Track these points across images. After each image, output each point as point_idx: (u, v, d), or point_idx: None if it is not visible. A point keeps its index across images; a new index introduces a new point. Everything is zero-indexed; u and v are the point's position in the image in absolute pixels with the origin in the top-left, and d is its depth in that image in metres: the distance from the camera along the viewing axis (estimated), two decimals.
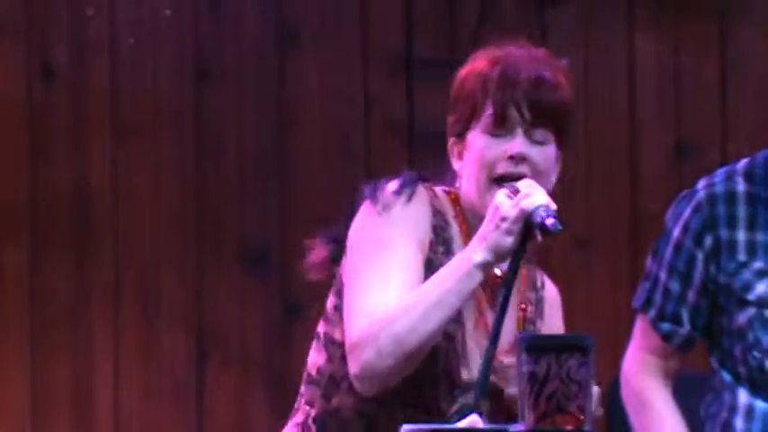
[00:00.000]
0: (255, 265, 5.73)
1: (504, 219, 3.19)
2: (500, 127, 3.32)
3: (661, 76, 5.60)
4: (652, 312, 3.74)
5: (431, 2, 5.69)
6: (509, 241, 3.19)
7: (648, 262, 3.77)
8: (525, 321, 3.46)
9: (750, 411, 3.68)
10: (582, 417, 2.82)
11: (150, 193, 5.78)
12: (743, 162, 3.73)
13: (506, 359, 3.32)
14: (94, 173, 5.78)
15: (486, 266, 3.22)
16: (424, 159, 5.31)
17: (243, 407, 5.71)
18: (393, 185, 3.42)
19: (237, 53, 5.76)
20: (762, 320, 3.65)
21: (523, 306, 3.48)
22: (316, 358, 3.46)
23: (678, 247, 3.71)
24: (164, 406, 5.73)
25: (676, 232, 3.72)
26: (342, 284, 3.42)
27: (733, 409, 3.70)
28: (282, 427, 3.59)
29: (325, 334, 3.45)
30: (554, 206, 3.20)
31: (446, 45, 5.64)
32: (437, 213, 3.39)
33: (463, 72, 3.44)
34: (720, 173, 3.74)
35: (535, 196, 3.19)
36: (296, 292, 5.64)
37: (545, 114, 3.33)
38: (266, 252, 5.74)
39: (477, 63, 3.40)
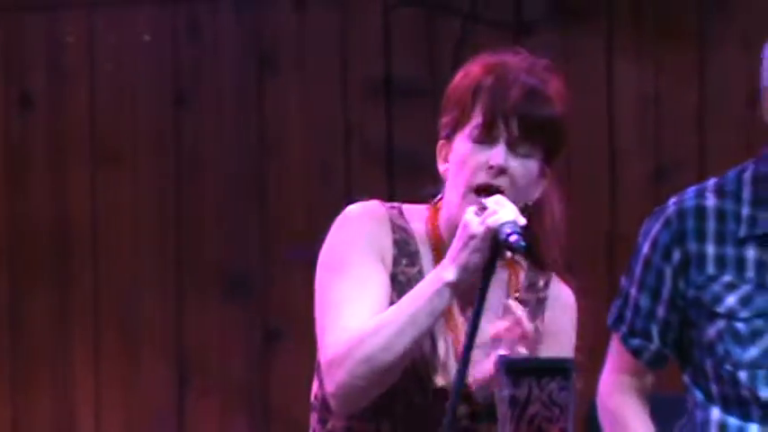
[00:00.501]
0: (235, 291, 5.75)
1: (472, 237, 3.18)
2: (485, 136, 3.30)
3: (640, 101, 5.59)
4: (623, 329, 3.72)
5: (409, 29, 5.69)
6: (478, 259, 3.18)
7: (622, 280, 3.76)
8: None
9: (723, 429, 3.69)
10: None
11: (130, 221, 5.84)
12: (714, 180, 3.75)
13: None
14: (73, 201, 5.86)
15: (456, 285, 3.20)
16: (404, 184, 5.44)
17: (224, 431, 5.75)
18: (353, 209, 3.43)
19: (217, 79, 5.83)
20: (732, 333, 3.64)
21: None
22: (314, 384, 3.45)
23: (647, 264, 3.72)
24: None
25: (645, 248, 3.72)
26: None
27: (705, 428, 3.71)
28: None
29: (317, 360, 3.44)
30: (522, 222, 3.17)
31: (424, 72, 5.63)
32: (398, 229, 3.37)
33: (458, 75, 3.39)
34: (691, 190, 3.73)
35: (501, 213, 3.17)
36: (276, 317, 5.71)
37: (532, 129, 3.30)
38: (246, 277, 5.77)
39: (473, 68, 3.37)
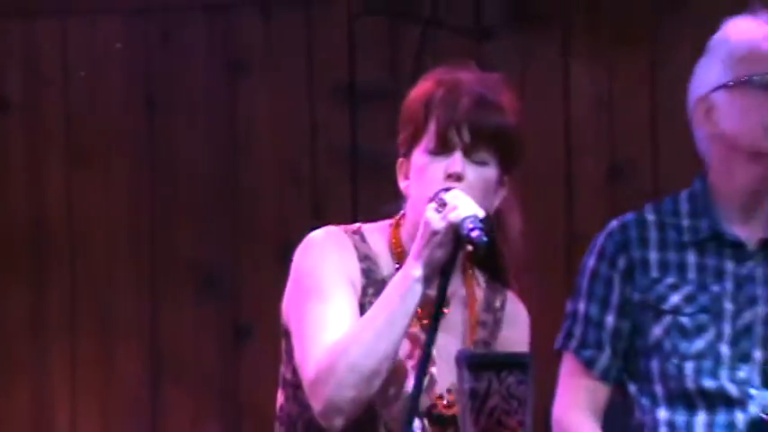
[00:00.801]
0: (208, 289, 5.77)
1: (434, 233, 3.23)
2: (440, 147, 3.35)
3: (595, 103, 5.57)
4: (573, 343, 3.78)
5: (373, 35, 5.68)
6: (441, 254, 3.23)
7: (567, 306, 3.83)
8: (475, 344, 3.47)
9: (671, 426, 3.76)
10: (521, 431, 2.93)
11: (105, 220, 5.85)
12: (650, 204, 3.85)
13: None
14: (49, 201, 5.86)
15: (425, 280, 3.25)
16: (368, 184, 5.55)
17: (197, 427, 5.76)
18: (317, 235, 3.46)
19: (188, 82, 5.80)
20: (678, 327, 3.73)
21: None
22: (279, 397, 3.50)
23: (595, 275, 3.80)
24: (121, 428, 5.80)
25: (591, 262, 3.81)
26: (287, 326, 3.47)
27: (655, 430, 3.77)
28: None
29: (281, 373, 3.50)
30: (482, 214, 3.22)
31: (387, 75, 5.62)
32: (363, 258, 3.43)
33: (411, 93, 3.46)
34: (630, 213, 3.86)
35: (461, 208, 3.23)
36: (247, 313, 5.74)
37: (485, 136, 3.35)
38: (219, 275, 5.77)
39: (424, 84, 3.43)
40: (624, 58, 5.55)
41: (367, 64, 5.67)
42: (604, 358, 3.78)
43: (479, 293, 3.51)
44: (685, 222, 3.79)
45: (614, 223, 3.82)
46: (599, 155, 5.56)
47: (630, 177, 5.42)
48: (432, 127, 3.36)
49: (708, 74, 3.83)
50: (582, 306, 3.80)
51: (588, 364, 3.77)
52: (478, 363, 2.95)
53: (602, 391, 3.80)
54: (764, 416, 3.72)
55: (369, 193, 5.51)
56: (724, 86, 3.77)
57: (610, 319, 3.78)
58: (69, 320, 5.79)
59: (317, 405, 3.27)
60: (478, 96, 3.36)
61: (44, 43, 5.86)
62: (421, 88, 3.42)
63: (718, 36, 3.89)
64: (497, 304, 3.50)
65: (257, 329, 5.66)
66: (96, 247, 5.81)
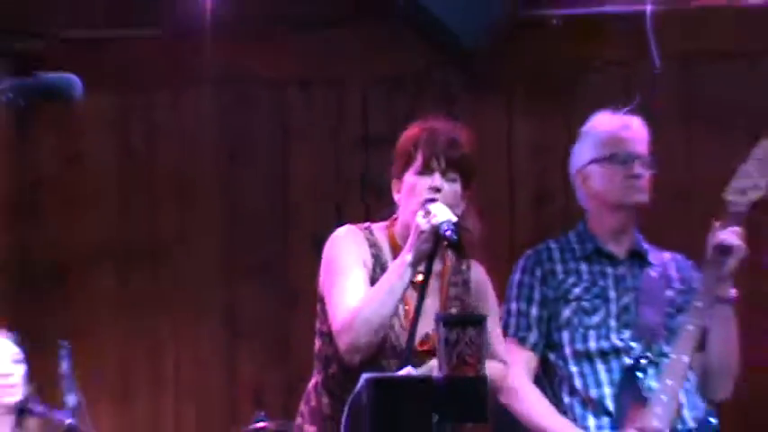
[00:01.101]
0: (267, 272, 5.65)
1: (422, 232, 3.28)
2: (425, 169, 3.42)
3: (529, 146, 5.52)
4: (511, 330, 3.86)
5: (377, 101, 5.61)
6: (426, 246, 3.27)
7: (502, 310, 3.82)
8: (449, 299, 3.48)
9: (582, 375, 3.81)
10: (479, 366, 2.91)
11: (201, 231, 5.75)
12: (552, 240, 4.01)
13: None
14: (162, 224, 5.74)
15: (414, 264, 3.29)
16: (375, 200, 5.33)
17: (262, 369, 5.66)
18: (340, 231, 3.50)
19: (253, 140, 5.70)
20: (581, 309, 3.84)
21: (446, 290, 3.49)
22: (317, 343, 3.54)
23: (521, 283, 3.92)
24: (209, 371, 5.69)
25: (517, 276, 3.93)
26: (322, 294, 3.48)
27: (570, 380, 3.82)
28: None
29: (318, 327, 3.53)
30: (454, 219, 3.25)
31: (388, 126, 5.48)
32: (373, 245, 3.47)
33: (403, 136, 3.54)
34: (536, 245, 3.97)
35: (440, 215, 3.26)
36: (293, 287, 5.56)
37: (454, 163, 3.42)
38: (274, 262, 5.64)
39: (411, 129, 3.52)
40: (548, 114, 5.48)
41: (375, 120, 5.62)
42: (533, 336, 3.86)
43: (450, 265, 3.53)
44: (576, 246, 3.92)
45: (529, 251, 3.95)
46: (531, 185, 5.49)
47: (552, 199, 5.35)
48: (419, 157, 3.44)
49: (582, 153, 3.92)
50: (513, 305, 3.88)
51: (522, 341, 3.85)
52: (449, 321, 2.96)
53: (533, 360, 3.86)
54: (633, 360, 3.80)
55: (376, 208, 5.31)
56: (594, 161, 3.87)
57: (534, 310, 3.88)
58: (173, 297, 5.70)
59: (342, 347, 3.33)
60: (450, 138, 3.45)
61: (157, 110, 5.76)
62: (409, 132, 3.52)
63: (588, 125, 3.98)
64: (463, 267, 3.53)
65: (301, 298, 5.47)
66: (198, 250, 5.71)
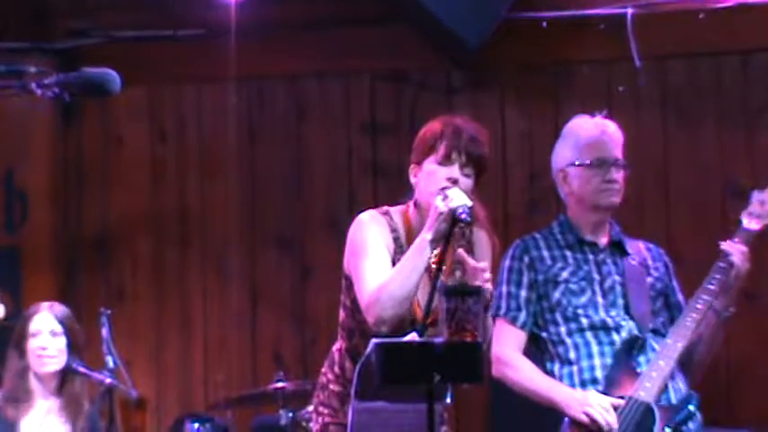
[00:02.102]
0: (285, 246, 5.65)
1: (440, 213, 3.27)
2: (446, 160, 3.39)
3: (521, 135, 5.52)
4: (502, 310, 3.84)
5: (385, 91, 5.59)
6: (444, 226, 3.27)
7: (494, 293, 3.74)
8: (454, 263, 3.37)
9: (576, 347, 3.75)
10: (476, 333, 2.90)
11: (223, 208, 5.74)
12: (535, 231, 4.00)
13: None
14: (189, 199, 5.75)
15: (433, 242, 3.28)
16: (384, 185, 5.49)
17: (280, 334, 5.64)
18: (364, 216, 3.47)
19: (272, 125, 5.72)
20: (569, 290, 3.82)
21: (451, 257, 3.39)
22: (341, 314, 3.53)
23: (510, 269, 3.89)
24: (232, 333, 5.68)
25: (507, 263, 3.90)
26: (349, 272, 3.46)
27: (563, 362, 3.80)
28: None
29: (342, 300, 3.52)
30: (469, 203, 3.26)
31: (394, 114, 5.58)
32: (393, 230, 3.46)
33: (425, 127, 3.48)
34: (522, 236, 3.93)
35: (456, 200, 3.27)
36: (308, 261, 5.60)
37: (473, 160, 3.41)
38: (291, 237, 5.62)
39: (435, 123, 3.46)
40: (538, 107, 5.50)
41: (382, 109, 5.62)
42: (522, 316, 3.84)
43: (456, 234, 3.43)
44: (559, 237, 3.90)
45: (518, 241, 3.93)
46: (522, 167, 5.51)
47: (542, 181, 5.25)
48: (442, 148, 3.40)
49: (563, 154, 3.88)
50: (504, 288, 3.85)
51: (512, 321, 3.83)
52: (450, 290, 2.95)
53: (522, 337, 3.84)
54: (630, 336, 3.78)
55: (386, 190, 5.42)
56: (573, 164, 3.82)
57: (523, 293, 3.84)
58: (202, 267, 5.73)
59: (370, 319, 3.31)
60: (471, 136, 3.42)
61: (186, 100, 5.78)
62: (432, 126, 3.46)
63: (570, 127, 3.92)
64: (467, 232, 3.49)
65: (316, 273, 5.59)
66: (217, 224, 5.71)
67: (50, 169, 5.72)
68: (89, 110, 5.76)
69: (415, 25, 5.34)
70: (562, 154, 3.88)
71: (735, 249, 3.80)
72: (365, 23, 5.47)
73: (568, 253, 3.85)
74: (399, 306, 3.27)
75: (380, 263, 3.37)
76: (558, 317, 3.82)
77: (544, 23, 5.33)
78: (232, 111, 5.66)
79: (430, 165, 3.40)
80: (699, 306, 3.77)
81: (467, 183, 3.39)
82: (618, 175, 3.83)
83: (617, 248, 3.90)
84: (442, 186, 3.34)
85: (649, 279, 3.87)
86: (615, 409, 3.67)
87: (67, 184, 5.80)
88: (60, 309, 4.60)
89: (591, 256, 3.85)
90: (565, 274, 3.82)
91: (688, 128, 5.33)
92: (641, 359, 3.76)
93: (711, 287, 3.78)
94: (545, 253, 3.87)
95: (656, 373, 3.70)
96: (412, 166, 3.46)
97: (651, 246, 4.00)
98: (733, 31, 5.25)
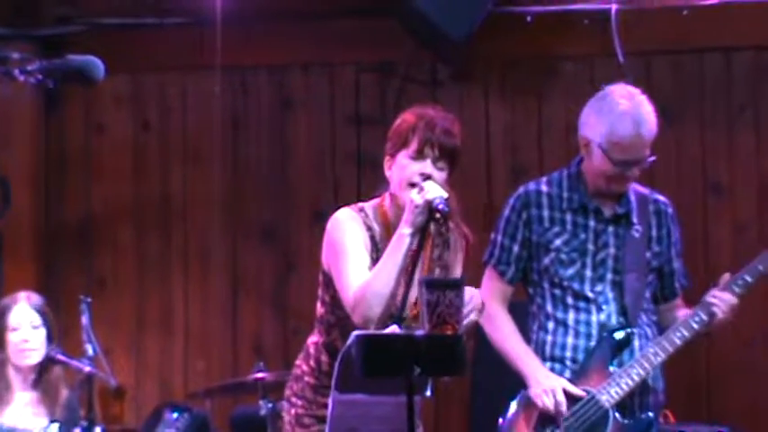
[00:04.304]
0: (269, 238, 5.65)
1: (417, 206, 3.24)
2: (419, 155, 3.34)
3: (504, 128, 5.54)
4: (493, 261, 3.86)
5: (370, 83, 5.60)
6: (421, 218, 3.24)
7: (492, 235, 3.88)
8: (433, 261, 3.41)
9: (555, 319, 3.81)
10: (457, 326, 2.88)
11: (206, 195, 5.71)
12: (546, 176, 3.93)
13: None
14: (173, 186, 5.73)
15: (412, 235, 3.25)
16: (368, 177, 5.45)
17: (261, 325, 5.64)
18: (340, 214, 3.42)
19: (258, 113, 5.70)
20: (558, 260, 3.81)
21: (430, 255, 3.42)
22: (319, 309, 3.50)
23: (508, 220, 3.88)
24: (214, 323, 5.68)
25: (506, 212, 3.89)
26: (328, 269, 3.42)
27: (541, 327, 3.85)
28: None
29: (321, 296, 3.49)
30: (445, 195, 3.24)
31: (379, 105, 5.58)
32: (369, 229, 3.42)
33: (400, 118, 3.43)
34: (532, 182, 3.92)
35: (433, 191, 3.24)
36: (292, 254, 5.59)
37: (446, 153, 3.35)
38: (275, 230, 5.64)
39: (408, 115, 3.41)
40: (521, 100, 5.53)
41: (367, 101, 5.62)
42: (511, 271, 3.86)
43: (432, 231, 3.43)
44: (565, 194, 3.85)
45: (521, 189, 3.90)
46: (506, 159, 5.53)
47: (525, 174, 5.27)
48: (414, 143, 3.35)
49: (595, 126, 3.75)
50: (499, 238, 3.89)
51: (501, 274, 3.86)
52: (431, 284, 2.93)
53: (508, 290, 3.88)
54: (617, 328, 3.76)
55: (369, 180, 5.38)
56: (600, 147, 3.73)
57: (516, 248, 3.86)
58: (184, 257, 5.72)
59: (357, 319, 3.25)
60: (445, 128, 3.36)
61: (170, 88, 5.78)
62: (406, 118, 3.42)
63: (609, 104, 3.74)
64: (443, 230, 3.45)
65: (299, 264, 5.61)
66: (200, 213, 5.71)
67: (33, 157, 5.72)
68: (72, 97, 5.75)
69: (401, 19, 5.32)
70: (593, 125, 3.76)
71: (721, 301, 3.77)
72: (351, 15, 5.47)
73: (569, 217, 3.82)
74: (385, 302, 3.24)
75: (360, 262, 3.35)
76: (545, 282, 3.82)
77: (529, 18, 5.34)
78: (216, 100, 5.63)
79: (403, 159, 3.37)
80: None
81: (441, 176, 3.35)
82: (636, 171, 3.78)
83: (623, 220, 3.84)
84: (413, 182, 3.31)
85: (648, 254, 3.82)
86: (575, 401, 3.68)
87: (49, 172, 5.78)
88: (37, 299, 4.58)
89: (592, 223, 3.81)
90: (558, 242, 3.80)
91: (671, 125, 5.29)
92: (625, 356, 3.76)
93: (694, 326, 3.78)
94: (545, 213, 3.83)
95: (626, 381, 3.70)
96: (386, 158, 3.43)
97: (660, 206, 3.91)
98: (717, 29, 5.28)
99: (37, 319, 4.51)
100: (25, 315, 4.52)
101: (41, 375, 4.50)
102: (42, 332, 4.52)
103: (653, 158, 3.78)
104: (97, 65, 2.80)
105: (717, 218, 5.34)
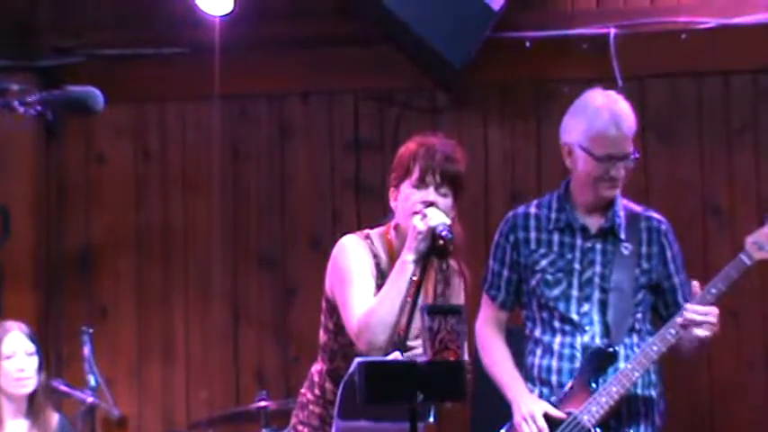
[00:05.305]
0: (268, 266, 5.64)
1: (420, 233, 3.27)
2: (421, 183, 3.37)
3: (503, 154, 5.52)
4: (486, 286, 3.90)
5: (369, 110, 5.59)
6: (424, 246, 3.27)
7: (489, 262, 3.92)
8: (436, 296, 3.46)
9: (543, 343, 3.82)
10: (458, 352, 2.90)
11: (206, 224, 5.71)
12: (536, 200, 3.95)
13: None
14: (172, 214, 5.72)
15: (414, 262, 3.26)
16: (367, 204, 5.47)
17: (262, 353, 5.65)
18: (347, 240, 3.43)
19: (255, 141, 5.67)
20: (544, 281, 3.82)
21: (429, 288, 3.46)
22: (322, 336, 3.52)
23: (498, 245, 3.91)
24: (214, 351, 5.68)
25: (496, 237, 3.92)
26: (331, 295, 3.43)
27: (530, 352, 3.86)
28: None
29: (324, 323, 3.51)
30: (448, 222, 3.27)
31: (378, 133, 5.58)
32: (375, 256, 3.43)
33: (402, 148, 3.45)
34: (522, 206, 3.94)
35: (436, 218, 3.27)
36: (292, 280, 5.59)
37: (448, 179, 3.38)
38: (275, 258, 5.61)
39: (411, 144, 3.44)
40: (520, 125, 5.51)
41: (366, 127, 5.62)
42: (501, 296, 3.88)
43: (434, 267, 3.50)
44: (553, 215, 3.86)
45: (510, 214, 3.93)
46: (504, 186, 5.51)
47: (523, 200, 4.96)
48: (416, 171, 3.38)
49: (573, 129, 3.78)
50: (491, 263, 3.91)
51: (493, 299, 3.89)
52: (433, 310, 2.95)
53: (502, 315, 3.90)
54: (603, 347, 3.78)
55: (367, 207, 5.45)
56: (581, 148, 3.75)
57: (505, 272, 3.88)
58: (185, 286, 5.72)
59: (362, 346, 3.28)
60: (446, 154, 3.39)
61: (169, 118, 5.77)
62: (408, 147, 3.44)
63: (584, 104, 3.78)
64: (444, 266, 3.49)
65: (299, 291, 5.58)
66: (200, 242, 5.70)
67: (33, 186, 5.73)
68: (72, 127, 5.75)
69: (400, 46, 5.33)
70: (571, 128, 3.78)
71: (695, 314, 3.69)
72: (350, 43, 5.47)
73: (556, 237, 3.82)
74: (389, 329, 3.25)
75: (366, 288, 3.35)
76: (534, 304, 3.83)
77: (527, 44, 5.35)
78: (216, 129, 5.67)
79: (406, 188, 3.38)
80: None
81: (445, 202, 3.36)
82: (622, 169, 3.76)
83: (611, 235, 3.83)
84: (415, 212, 3.32)
85: (637, 271, 3.81)
86: (557, 424, 3.68)
87: (50, 202, 5.78)
88: (27, 327, 4.54)
89: (579, 242, 3.81)
90: (543, 263, 3.80)
91: (669, 148, 5.33)
92: (609, 375, 3.75)
93: (670, 338, 3.74)
94: (532, 235, 3.84)
95: (606, 400, 3.70)
96: (391, 189, 3.44)
97: (653, 223, 3.88)
98: (714, 52, 5.27)
99: (30, 347, 4.48)
100: (20, 343, 4.48)
101: (32, 403, 4.46)
102: (35, 360, 4.48)
103: (637, 155, 3.78)
104: (96, 95, 2.81)
105: (716, 240, 5.32)
